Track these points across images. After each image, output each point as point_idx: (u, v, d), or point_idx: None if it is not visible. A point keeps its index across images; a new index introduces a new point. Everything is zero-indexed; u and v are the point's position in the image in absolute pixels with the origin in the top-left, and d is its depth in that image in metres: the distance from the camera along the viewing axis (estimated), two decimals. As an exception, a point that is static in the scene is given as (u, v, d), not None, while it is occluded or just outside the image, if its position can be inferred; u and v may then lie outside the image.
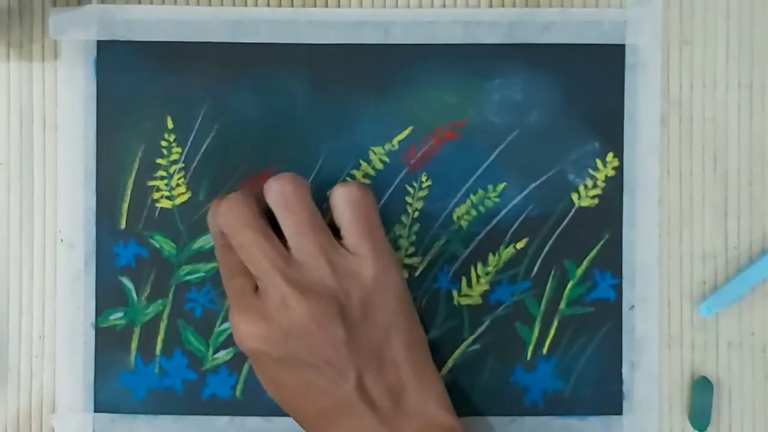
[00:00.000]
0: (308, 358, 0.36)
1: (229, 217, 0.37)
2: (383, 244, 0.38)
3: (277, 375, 0.37)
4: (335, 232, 0.38)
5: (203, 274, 0.42)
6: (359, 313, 0.37)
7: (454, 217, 0.43)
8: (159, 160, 0.42)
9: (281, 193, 0.37)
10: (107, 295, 0.42)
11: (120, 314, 0.42)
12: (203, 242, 0.42)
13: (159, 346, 0.42)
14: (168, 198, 0.42)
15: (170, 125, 0.42)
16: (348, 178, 0.42)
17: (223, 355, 0.42)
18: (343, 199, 0.38)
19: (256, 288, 0.37)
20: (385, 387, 0.36)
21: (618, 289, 0.43)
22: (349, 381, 0.36)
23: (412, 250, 0.43)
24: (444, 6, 0.43)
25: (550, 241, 0.43)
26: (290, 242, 0.37)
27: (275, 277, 0.36)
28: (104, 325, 0.42)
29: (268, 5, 0.43)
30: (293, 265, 0.37)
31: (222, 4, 0.43)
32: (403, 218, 0.43)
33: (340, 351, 0.36)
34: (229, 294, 0.38)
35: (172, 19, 0.42)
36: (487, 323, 0.43)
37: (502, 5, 0.43)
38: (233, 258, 0.38)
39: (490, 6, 0.43)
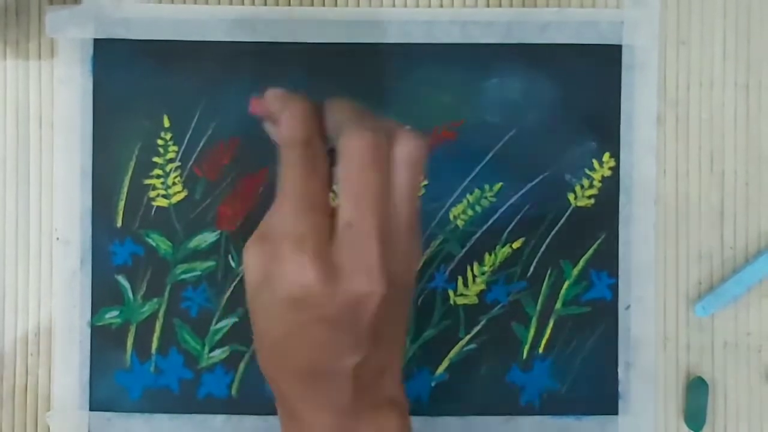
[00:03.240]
0: (344, 324, 0.34)
1: (361, 149, 0.33)
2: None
3: (303, 325, 0.34)
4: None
5: (199, 273, 0.42)
6: (394, 303, 0.35)
7: (451, 217, 0.43)
8: (155, 159, 0.42)
9: (417, 153, 0.33)
10: (103, 293, 0.42)
11: (116, 313, 0.42)
12: (199, 241, 0.42)
13: (155, 345, 0.42)
14: (164, 196, 0.42)
15: (167, 124, 0.42)
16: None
17: (219, 354, 0.42)
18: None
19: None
20: (373, 369, 0.35)
21: (614, 289, 0.43)
22: (355, 357, 0.34)
23: (408, 249, 0.43)
24: (441, 6, 0.43)
25: (547, 241, 0.43)
26: (394, 206, 0.33)
27: (374, 242, 0.32)
28: (100, 324, 0.42)
29: (266, 4, 0.43)
30: (388, 234, 0.33)
31: (219, 3, 0.43)
32: (400, 217, 0.42)
33: (369, 332, 0.34)
34: (296, 226, 0.33)
35: (170, 17, 0.42)
36: (483, 323, 0.43)
37: (500, 5, 0.43)
38: (320, 186, 0.33)
39: (488, 6, 0.43)
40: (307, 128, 0.34)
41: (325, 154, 0.34)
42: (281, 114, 0.34)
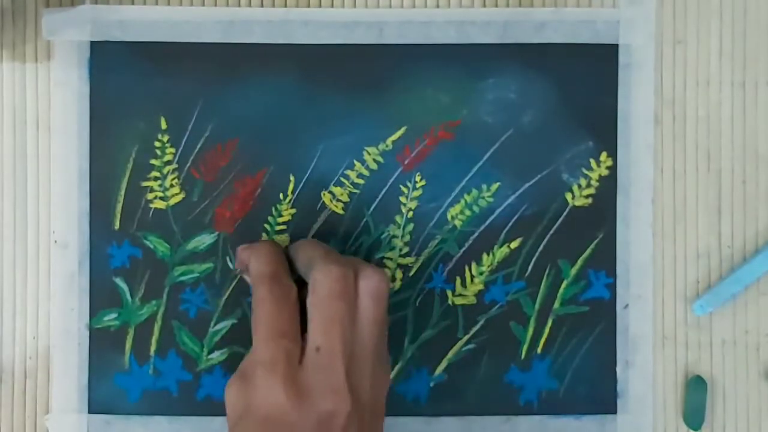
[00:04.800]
0: None
1: (329, 281, 0.36)
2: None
3: None
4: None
5: (197, 275, 0.42)
6: (362, 421, 0.36)
7: (449, 217, 0.43)
8: (152, 161, 0.42)
9: (379, 286, 0.37)
10: (101, 295, 0.42)
11: (114, 315, 0.42)
12: (197, 243, 0.42)
13: (153, 347, 0.42)
14: (162, 198, 0.42)
15: (164, 126, 0.42)
16: (342, 179, 0.42)
17: (218, 356, 0.42)
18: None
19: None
20: None
21: (612, 288, 0.43)
22: None
23: (406, 250, 0.43)
24: (438, 6, 0.43)
25: (544, 241, 0.43)
26: (358, 332, 0.36)
27: (339, 364, 0.35)
28: (98, 326, 0.42)
29: (262, 5, 0.43)
30: (352, 357, 0.36)
31: (215, 5, 0.43)
32: (398, 218, 0.43)
33: None
34: (267, 352, 0.35)
35: (166, 19, 0.42)
36: (481, 323, 0.43)
37: (496, 5, 0.43)
38: (288, 316, 0.36)
39: (484, 6, 0.43)
40: (272, 264, 0.37)
41: (291, 287, 0.37)
42: (250, 258, 0.38)
